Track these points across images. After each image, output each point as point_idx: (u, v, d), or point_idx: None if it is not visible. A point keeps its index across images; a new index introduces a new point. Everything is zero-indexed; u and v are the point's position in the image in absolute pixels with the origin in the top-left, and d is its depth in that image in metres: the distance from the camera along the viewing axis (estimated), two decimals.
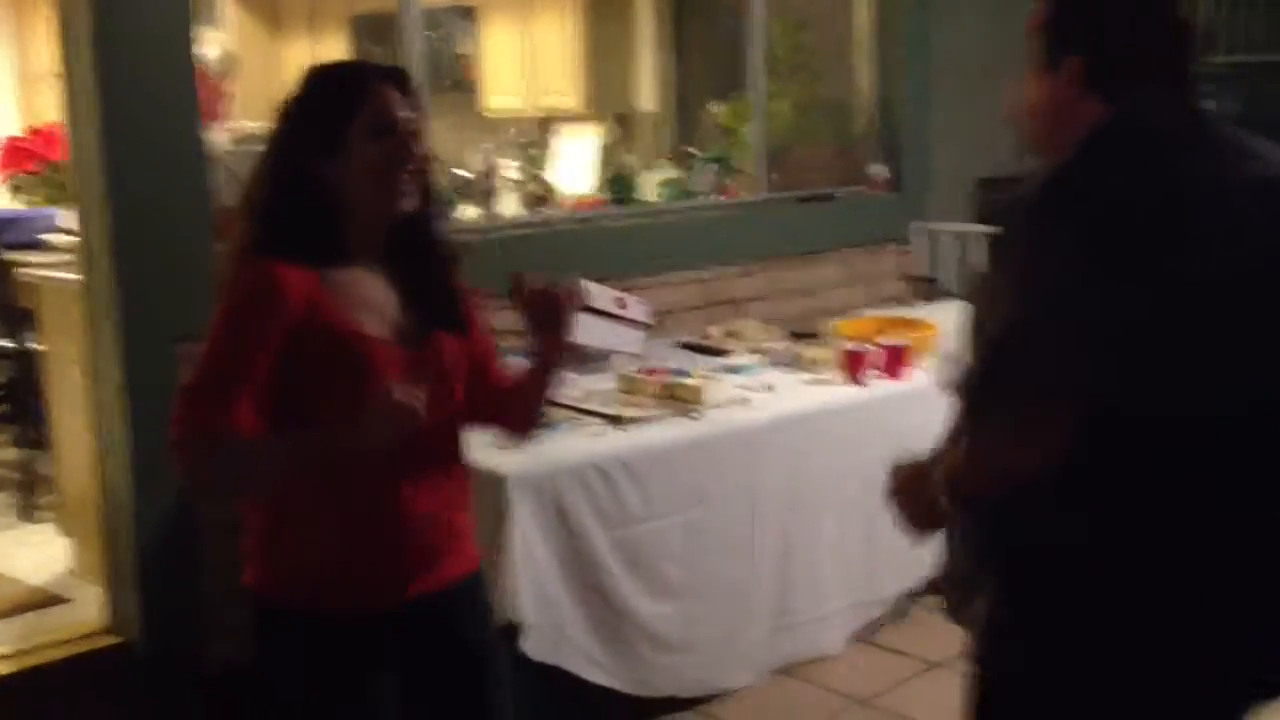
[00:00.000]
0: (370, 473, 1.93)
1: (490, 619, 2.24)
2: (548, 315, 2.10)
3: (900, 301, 5.30)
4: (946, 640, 3.85)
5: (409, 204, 1.96)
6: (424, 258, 2.02)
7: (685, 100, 6.59)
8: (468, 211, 4.61)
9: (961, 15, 5.45)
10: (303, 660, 2.01)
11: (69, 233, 4.18)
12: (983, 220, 5.55)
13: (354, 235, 1.96)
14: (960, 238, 5.39)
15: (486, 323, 2.16)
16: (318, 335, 1.89)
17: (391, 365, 1.93)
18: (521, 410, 2.21)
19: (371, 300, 1.96)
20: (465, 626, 2.13)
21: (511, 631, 2.95)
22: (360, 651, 1.99)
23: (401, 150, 1.94)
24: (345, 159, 1.92)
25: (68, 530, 4.21)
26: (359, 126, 1.92)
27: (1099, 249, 1.56)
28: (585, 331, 3.80)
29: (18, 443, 4.70)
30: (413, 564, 2.01)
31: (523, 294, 2.08)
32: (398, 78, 1.98)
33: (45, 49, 8.03)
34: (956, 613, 1.84)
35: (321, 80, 1.99)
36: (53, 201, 5.65)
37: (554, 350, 2.13)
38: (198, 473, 1.90)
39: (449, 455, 2.09)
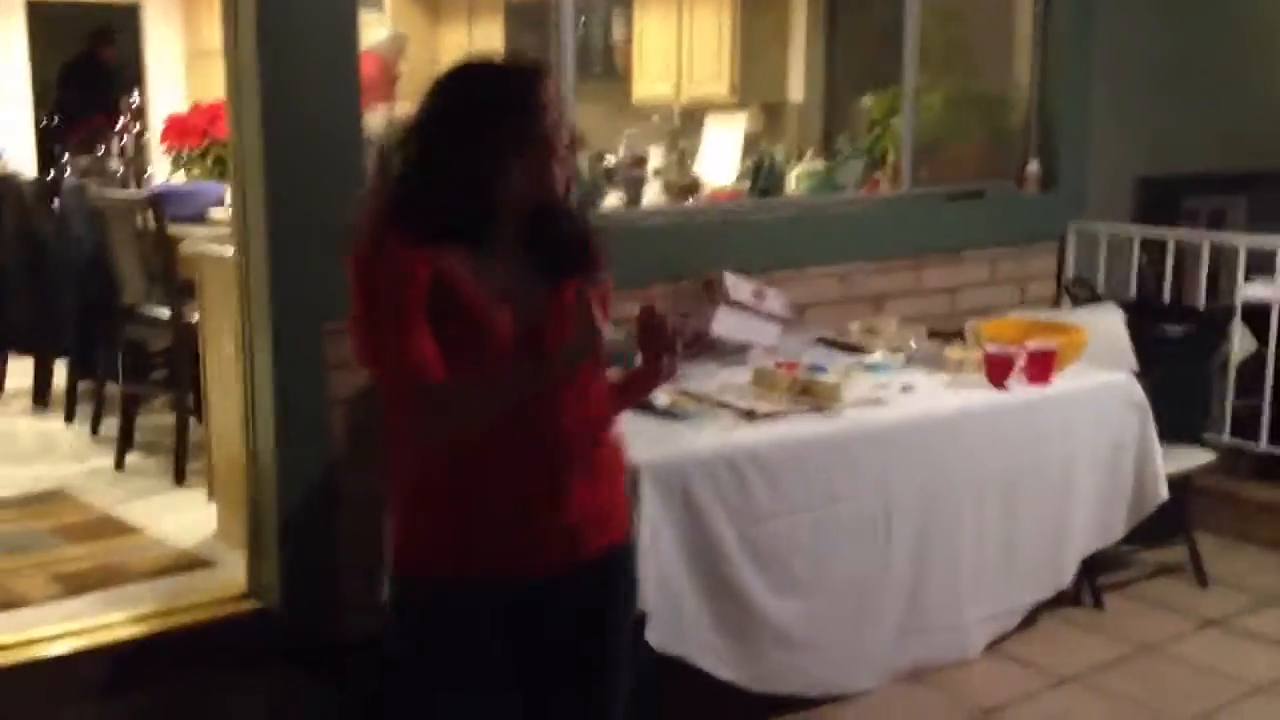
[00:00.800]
0: (500, 446, 2.01)
1: (626, 596, 2.26)
2: (657, 341, 2.11)
3: (1049, 304, 5.16)
4: (1078, 653, 3.78)
5: (562, 191, 2.07)
6: (557, 224, 2.10)
7: (835, 92, 6.52)
8: (613, 200, 4.63)
9: (1125, 9, 5.28)
10: (427, 626, 2.10)
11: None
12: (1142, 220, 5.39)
13: (504, 221, 2.04)
14: (1116, 239, 5.23)
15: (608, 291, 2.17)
16: (450, 310, 1.96)
17: (509, 340, 2.00)
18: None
19: (511, 277, 2.03)
20: (596, 604, 2.18)
21: (635, 621, 2.96)
22: (481, 622, 2.07)
23: (571, 145, 2.06)
24: (530, 154, 2.01)
25: (215, 496, 4.36)
26: (545, 129, 2.01)
27: None
28: (723, 323, 3.83)
29: (173, 409, 4.88)
30: (538, 542, 2.07)
31: (644, 319, 2.11)
32: (549, 73, 2.08)
33: (213, 27, 8.32)
34: None
35: (504, 81, 2.04)
36: (213, 177, 5.85)
37: (652, 376, 2.17)
38: (437, 412, 1.98)
39: (587, 432, 2.11)
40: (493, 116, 2.00)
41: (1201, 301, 4.91)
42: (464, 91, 2.04)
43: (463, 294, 1.98)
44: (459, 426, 2.00)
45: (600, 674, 2.20)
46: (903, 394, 3.63)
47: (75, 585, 3.81)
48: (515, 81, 2.04)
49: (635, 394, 2.27)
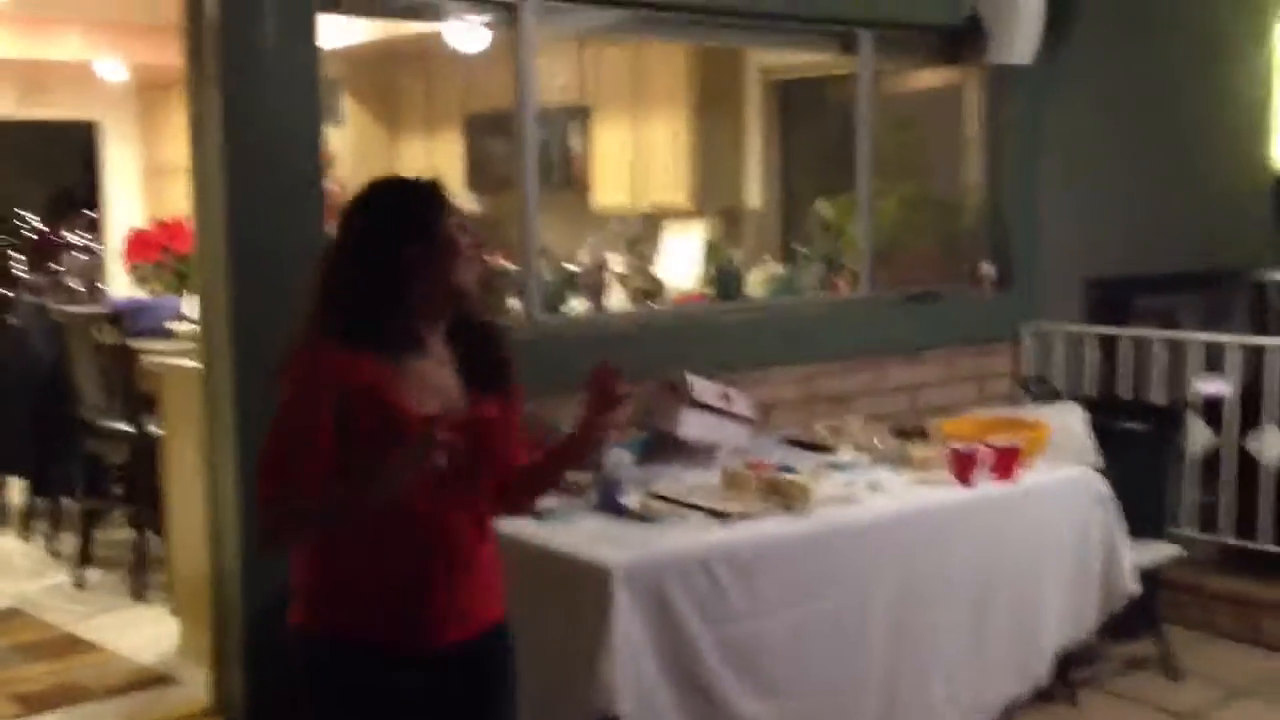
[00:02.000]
0: (412, 526, 2.18)
1: (510, 672, 2.40)
2: (604, 398, 2.30)
3: (1009, 401, 5.23)
4: None
5: (474, 293, 2.26)
6: (475, 334, 2.30)
7: (791, 198, 6.64)
8: (576, 305, 4.67)
9: (1072, 113, 5.44)
10: (334, 684, 2.23)
11: (192, 321, 4.31)
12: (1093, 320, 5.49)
13: (424, 324, 2.22)
14: (1071, 338, 5.32)
15: (521, 400, 2.38)
16: (377, 414, 2.13)
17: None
18: (524, 486, 2.44)
19: (436, 385, 2.22)
20: (487, 677, 2.34)
21: None
22: (387, 685, 2.21)
23: (473, 248, 2.25)
24: (434, 256, 2.20)
25: (177, 611, 4.28)
26: (446, 229, 2.22)
27: None
28: (690, 425, 3.85)
29: (132, 523, 4.81)
30: (444, 612, 2.24)
31: (596, 375, 2.30)
32: (445, 187, 2.29)
33: (170, 145, 8.38)
34: None
35: (407, 190, 2.27)
36: (173, 290, 5.85)
37: (591, 429, 2.33)
38: (275, 532, 2.20)
39: (486, 517, 2.32)
40: (397, 226, 2.20)
41: (1157, 398, 4.98)
42: (371, 207, 2.25)
43: (387, 401, 2.13)
44: (303, 535, 2.20)
45: None
46: (871, 492, 3.64)
47: (35, 705, 3.73)
48: (415, 194, 2.25)
49: (565, 462, 2.42)
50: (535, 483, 2.48)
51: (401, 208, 2.23)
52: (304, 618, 2.25)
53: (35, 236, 8.81)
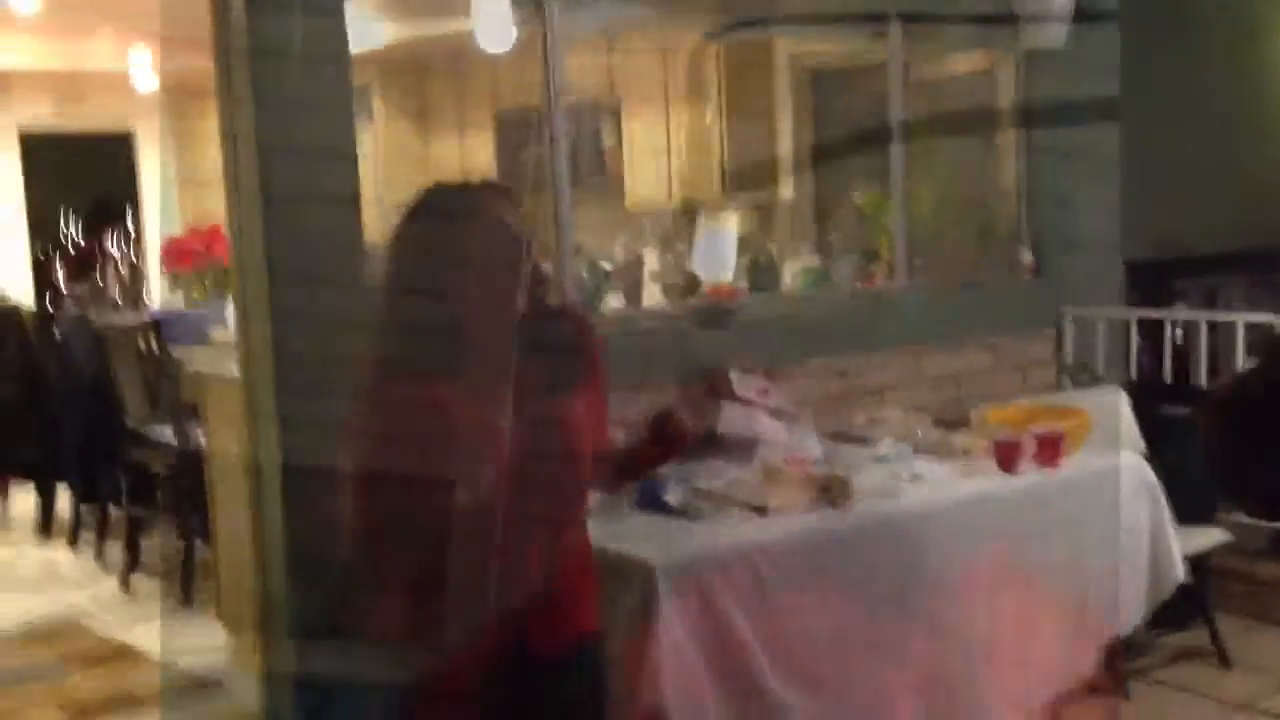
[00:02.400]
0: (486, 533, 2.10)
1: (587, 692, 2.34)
2: (666, 438, 2.39)
3: (1050, 389, 5.17)
4: None
5: (524, 300, 2.14)
6: (539, 328, 2.19)
7: (825, 188, 6.60)
8: (611, 302, 4.66)
9: (1107, 94, 5.36)
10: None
11: (233, 328, 4.33)
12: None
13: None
14: (1112, 323, 5.26)
15: (603, 382, 2.34)
16: (460, 432, 2.05)
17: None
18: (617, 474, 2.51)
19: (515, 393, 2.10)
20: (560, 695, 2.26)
21: None
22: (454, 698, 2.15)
23: (526, 251, 2.15)
24: (475, 268, 2.10)
25: (225, 618, 4.31)
26: (484, 237, 2.12)
27: None
28: (730, 420, 3.83)
29: (179, 531, 4.84)
30: (515, 628, 2.17)
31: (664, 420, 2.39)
32: (501, 189, 2.27)
33: (204, 154, 8.43)
34: None
35: (445, 198, 2.20)
36: (212, 298, 5.89)
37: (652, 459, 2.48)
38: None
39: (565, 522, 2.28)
40: (434, 238, 2.13)
41: (1203, 381, 4.92)
42: (411, 220, 2.17)
43: (480, 420, 2.05)
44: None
45: None
46: (913, 483, 3.61)
47: (85, 714, 3.75)
48: (450, 203, 2.18)
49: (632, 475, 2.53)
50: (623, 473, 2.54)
51: (438, 224, 2.16)
52: (398, 618, 2.20)
53: (75, 248, 8.90)
